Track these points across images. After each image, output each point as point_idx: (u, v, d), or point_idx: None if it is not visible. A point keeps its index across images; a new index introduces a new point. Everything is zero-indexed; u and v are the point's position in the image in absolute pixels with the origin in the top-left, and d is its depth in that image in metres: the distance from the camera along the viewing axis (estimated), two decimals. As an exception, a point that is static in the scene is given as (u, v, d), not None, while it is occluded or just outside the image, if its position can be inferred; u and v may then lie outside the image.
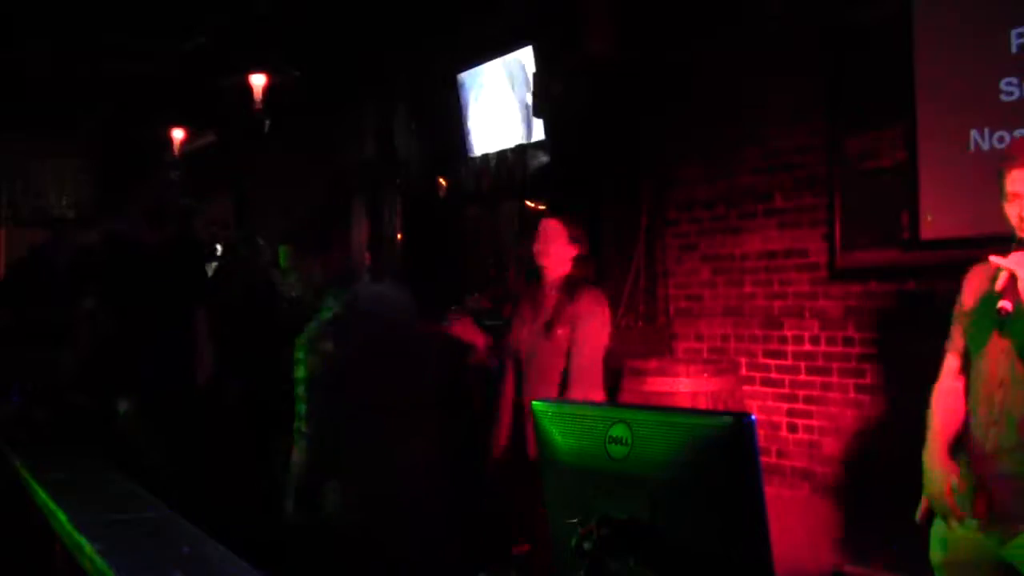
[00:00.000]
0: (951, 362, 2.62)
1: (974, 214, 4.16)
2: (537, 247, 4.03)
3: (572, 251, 4.01)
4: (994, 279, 2.38)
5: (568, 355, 3.85)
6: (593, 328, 3.89)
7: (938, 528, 2.52)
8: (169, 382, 4.42)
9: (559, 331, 3.87)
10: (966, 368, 2.55)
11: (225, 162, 11.51)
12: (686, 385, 5.21)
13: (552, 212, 4.75)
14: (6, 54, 8.59)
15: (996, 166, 2.48)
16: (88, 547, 2.07)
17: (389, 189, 8.59)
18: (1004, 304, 2.31)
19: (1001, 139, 4.30)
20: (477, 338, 4.12)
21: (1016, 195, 2.36)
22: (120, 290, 4.53)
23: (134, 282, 4.51)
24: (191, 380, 4.55)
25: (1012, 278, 2.30)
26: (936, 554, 2.53)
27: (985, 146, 4.36)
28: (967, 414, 2.47)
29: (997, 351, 2.41)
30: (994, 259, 2.37)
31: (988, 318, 2.41)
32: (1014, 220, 2.39)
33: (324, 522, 2.85)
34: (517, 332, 4.07)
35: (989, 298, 2.41)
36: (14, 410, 4.40)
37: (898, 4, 4.71)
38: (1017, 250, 2.36)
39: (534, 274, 4.17)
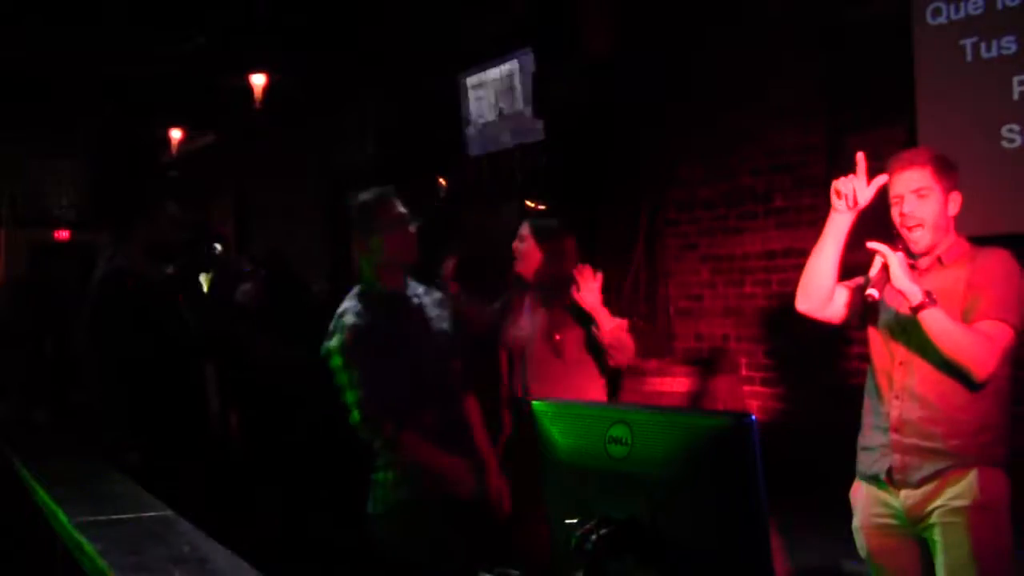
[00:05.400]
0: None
1: (973, 214, 4.15)
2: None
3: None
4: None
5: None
6: None
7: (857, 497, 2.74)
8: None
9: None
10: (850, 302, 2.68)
11: (225, 162, 11.52)
12: (686, 385, 5.21)
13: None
14: (6, 54, 8.59)
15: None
16: (88, 547, 2.06)
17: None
18: (871, 292, 2.45)
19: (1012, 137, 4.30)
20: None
21: (896, 197, 2.53)
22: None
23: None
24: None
25: (885, 267, 2.40)
26: (854, 519, 2.75)
27: (987, 146, 4.35)
28: (870, 389, 2.65)
29: (886, 335, 2.56)
30: (872, 245, 2.45)
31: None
32: (895, 219, 2.56)
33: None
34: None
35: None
36: (14, 410, 4.40)
37: (897, 4, 4.71)
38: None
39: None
